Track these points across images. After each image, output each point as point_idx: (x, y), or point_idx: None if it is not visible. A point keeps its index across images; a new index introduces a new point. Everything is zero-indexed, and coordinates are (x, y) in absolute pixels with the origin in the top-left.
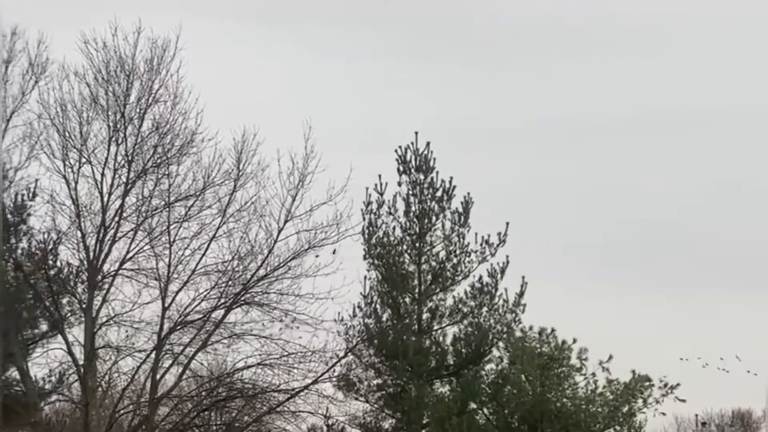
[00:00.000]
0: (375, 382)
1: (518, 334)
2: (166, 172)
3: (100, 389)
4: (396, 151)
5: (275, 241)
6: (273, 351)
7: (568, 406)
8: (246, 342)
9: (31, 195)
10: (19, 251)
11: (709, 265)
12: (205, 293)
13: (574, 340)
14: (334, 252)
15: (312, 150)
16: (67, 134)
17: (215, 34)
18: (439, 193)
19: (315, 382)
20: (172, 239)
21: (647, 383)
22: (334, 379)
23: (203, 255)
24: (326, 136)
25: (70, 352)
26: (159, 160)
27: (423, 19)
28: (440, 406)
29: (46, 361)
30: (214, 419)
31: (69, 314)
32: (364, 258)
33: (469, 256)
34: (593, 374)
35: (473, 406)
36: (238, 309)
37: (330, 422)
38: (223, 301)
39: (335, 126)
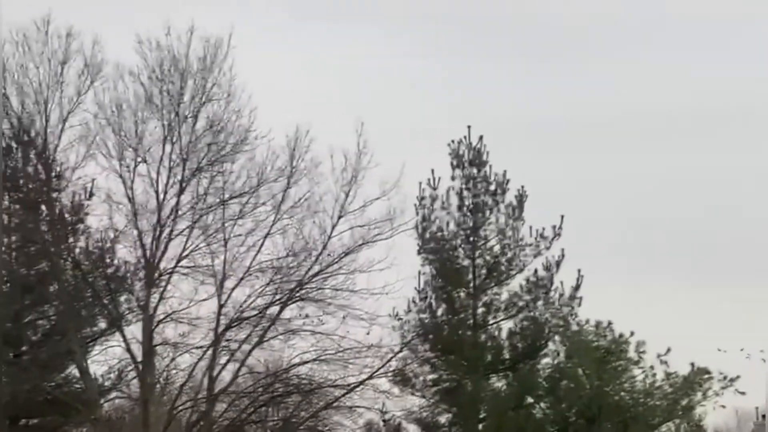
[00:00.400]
0: (431, 377)
1: (574, 327)
2: (221, 170)
3: (158, 386)
4: (449, 145)
5: (329, 237)
6: (329, 346)
7: (627, 400)
8: (302, 338)
9: (88, 194)
10: (77, 250)
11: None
12: (260, 290)
13: (632, 333)
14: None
15: (364, 146)
16: (122, 134)
17: (267, 32)
18: (492, 187)
19: (371, 377)
20: (227, 236)
21: (706, 376)
22: (390, 374)
23: (258, 252)
24: (379, 133)
25: (129, 350)
26: (213, 158)
27: (470, 15)
28: (497, 401)
29: (105, 358)
30: (271, 415)
31: (127, 312)
32: (418, 253)
33: (523, 250)
34: (651, 367)
35: (530, 400)
36: (294, 305)
37: (386, 417)
38: (278, 297)
39: (388, 122)
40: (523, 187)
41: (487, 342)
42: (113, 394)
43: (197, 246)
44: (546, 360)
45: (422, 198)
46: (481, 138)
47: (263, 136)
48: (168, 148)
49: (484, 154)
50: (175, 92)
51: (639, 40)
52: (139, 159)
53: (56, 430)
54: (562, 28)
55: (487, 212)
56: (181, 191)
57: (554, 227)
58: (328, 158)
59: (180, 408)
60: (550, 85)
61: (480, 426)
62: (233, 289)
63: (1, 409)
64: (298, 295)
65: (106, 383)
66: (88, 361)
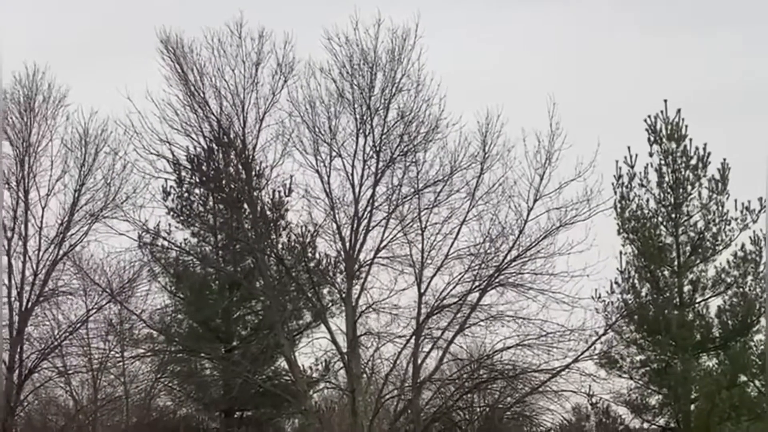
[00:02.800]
0: (638, 358)
1: None
2: (414, 160)
3: (364, 375)
4: (645, 120)
5: (525, 221)
6: (531, 331)
7: None
8: (503, 323)
9: (287, 191)
10: (280, 246)
11: None
12: (459, 277)
13: None
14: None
15: (557, 127)
16: (317, 130)
17: (452, 18)
18: (693, 161)
19: (575, 360)
20: (423, 225)
21: None
22: (596, 356)
23: (455, 239)
24: (571, 112)
25: (334, 341)
26: (406, 149)
27: None
28: (708, 381)
29: (312, 350)
30: (477, 401)
31: (330, 304)
32: (618, 233)
33: (729, 224)
34: None
35: (743, 378)
36: (493, 291)
37: (593, 400)
38: (477, 283)
39: (580, 101)
40: (725, 159)
41: (695, 320)
42: (321, 385)
43: (395, 236)
44: (758, 337)
45: (619, 176)
46: (678, 111)
47: (454, 123)
48: (361, 141)
49: (683, 128)
50: (365, 86)
51: None
52: (334, 153)
53: (269, 421)
54: None
55: (689, 187)
56: (376, 183)
57: (761, 199)
58: (521, 141)
59: (387, 397)
60: (746, 53)
61: (692, 406)
62: (432, 277)
63: None
64: (497, 280)
65: (314, 374)
66: (296, 354)
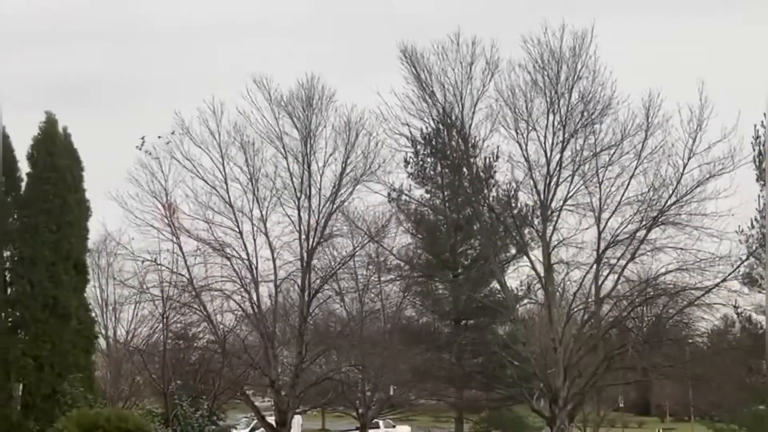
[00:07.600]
0: None
1: None
2: (592, 130)
3: (557, 294)
4: None
5: (682, 174)
6: (687, 258)
7: None
8: (665, 253)
9: (495, 157)
10: (491, 198)
11: None
12: (629, 218)
13: None
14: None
15: (705, 100)
16: (516, 111)
17: (620, 20)
18: None
19: (724, 280)
20: (600, 180)
21: None
22: (740, 277)
23: (626, 189)
24: (718, 87)
25: (534, 268)
26: (585, 122)
27: None
28: None
29: (518, 275)
30: (645, 313)
31: (530, 241)
32: (756, 180)
33: None
34: None
35: None
36: (657, 228)
37: (738, 311)
38: (644, 223)
39: (725, 78)
40: None
41: None
42: (525, 301)
43: (578, 189)
44: None
45: (757, 136)
46: None
47: (624, 101)
48: (551, 117)
49: None
50: (553, 76)
51: None
52: (530, 128)
53: (487, 328)
54: None
55: None
56: (563, 149)
57: None
58: (677, 112)
59: (575, 309)
60: None
61: None
62: (608, 219)
63: None
64: (660, 220)
65: (519, 293)
66: (505, 278)
